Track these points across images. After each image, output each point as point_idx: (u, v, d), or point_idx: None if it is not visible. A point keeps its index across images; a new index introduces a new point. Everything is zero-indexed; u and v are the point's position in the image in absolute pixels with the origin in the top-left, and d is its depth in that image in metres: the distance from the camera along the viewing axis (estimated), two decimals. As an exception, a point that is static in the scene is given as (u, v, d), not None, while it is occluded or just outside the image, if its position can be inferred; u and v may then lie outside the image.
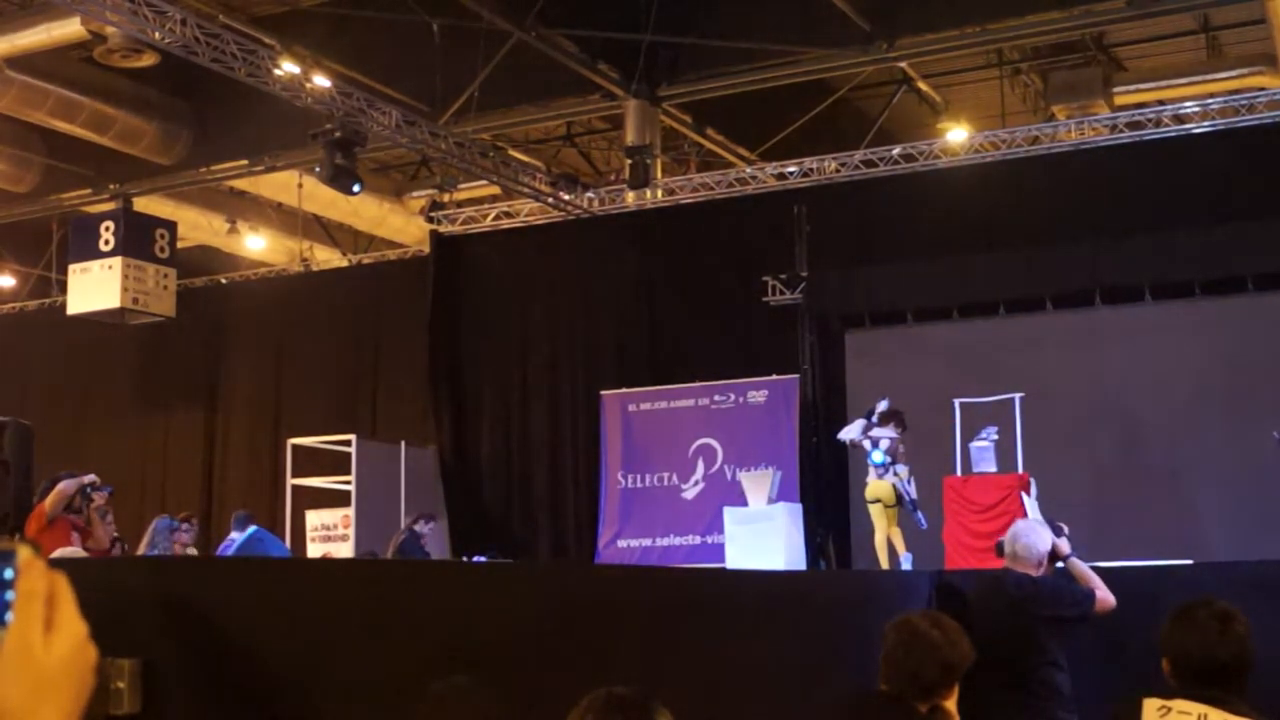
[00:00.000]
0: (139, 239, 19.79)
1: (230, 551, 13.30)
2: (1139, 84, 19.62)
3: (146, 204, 21.14)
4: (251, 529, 13.36)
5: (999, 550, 7.39)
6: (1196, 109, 16.48)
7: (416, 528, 15.39)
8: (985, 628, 6.75)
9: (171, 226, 20.59)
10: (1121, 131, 16.68)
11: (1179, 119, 16.47)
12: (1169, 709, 3.82)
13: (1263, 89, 17.40)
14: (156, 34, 14.20)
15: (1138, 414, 15.51)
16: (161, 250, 20.06)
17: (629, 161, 18.28)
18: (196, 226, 23.16)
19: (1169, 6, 16.56)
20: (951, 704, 4.18)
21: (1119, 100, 19.15)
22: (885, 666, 4.20)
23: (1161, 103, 18.06)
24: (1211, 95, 17.29)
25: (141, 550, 12.94)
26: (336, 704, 4.59)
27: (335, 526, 18.20)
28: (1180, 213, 15.49)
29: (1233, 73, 18.94)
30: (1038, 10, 16.80)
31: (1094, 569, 7.30)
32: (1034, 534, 7.22)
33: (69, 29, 16.02)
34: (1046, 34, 17.88)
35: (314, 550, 17.89)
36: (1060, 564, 7.23)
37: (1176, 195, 15.65)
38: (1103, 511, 14.49)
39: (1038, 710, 6.84)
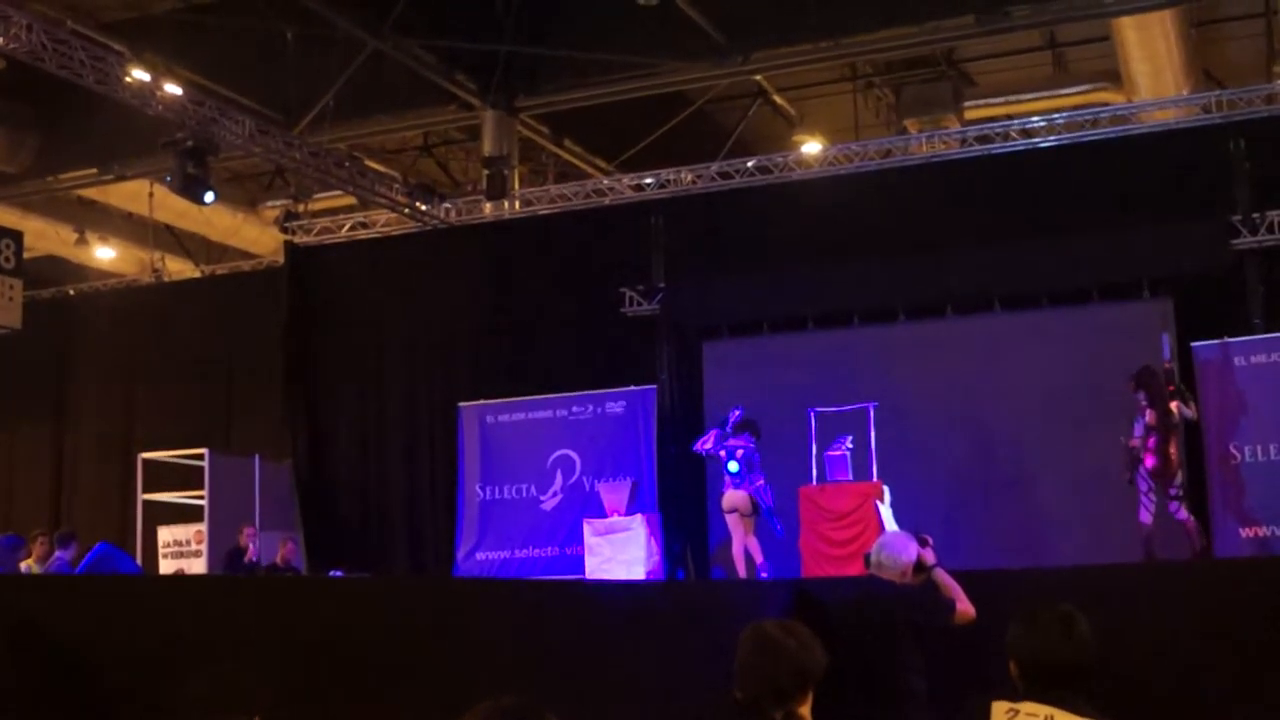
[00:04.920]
0: (-17, 249, 19.29)
1: (69, 569, 12.98)
2: (988, 98, 20.05)
3: (-9, 213, 20.66)
4: (100, 545, 13.04)
5: (866, 559, 7.50)
6: (1043, 124, 16.83)
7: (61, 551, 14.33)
8: (847, 634, 6.85)
9: (17, 236, 20.08)
10: (971, 145, 16.98)
11: (1026, 133, 16.81)
12: (1017, 711, 3.89)
13: (1106, 104, 17.84)
14: (1, 39, 13.86)
15: (987, 422, 15.76)
16: (7, 260, 19.55)
17: (486, 172, 18.26)
18: (43, 236, 22.67)
19: (1017, 23, 16.92)
20: (806, 710, 4.22)
21: (969, 114, 19.54)
22: (740, 674, 4.22)
23: (1010, 117, 18.43)
24: (1058, 110, 17.69)
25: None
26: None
27: (188, 542, 17.89)
28: (1028, 225, 15.77)
29: (1078, 88, 19.43)
30: (890, 25, 17.09)
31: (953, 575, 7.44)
32: (899, 544, 7.35)
33: (-92, 34, 15.59)
34: (898, 49, 18.20)
35: (166, 566, 17.58)
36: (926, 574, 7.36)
37: (1024, 208, 15.93)
38: (953, 518, 14.71)
39: (896, 715, 6.94)
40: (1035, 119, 17.20)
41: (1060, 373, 15.40)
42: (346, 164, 18.58)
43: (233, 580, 11.44)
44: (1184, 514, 13.23)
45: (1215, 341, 14.54)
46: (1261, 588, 8.97)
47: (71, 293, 23.14)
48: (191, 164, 15.87)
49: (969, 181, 16.50)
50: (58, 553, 14.04)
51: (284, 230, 20.08)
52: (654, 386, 16.84)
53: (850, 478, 14.33)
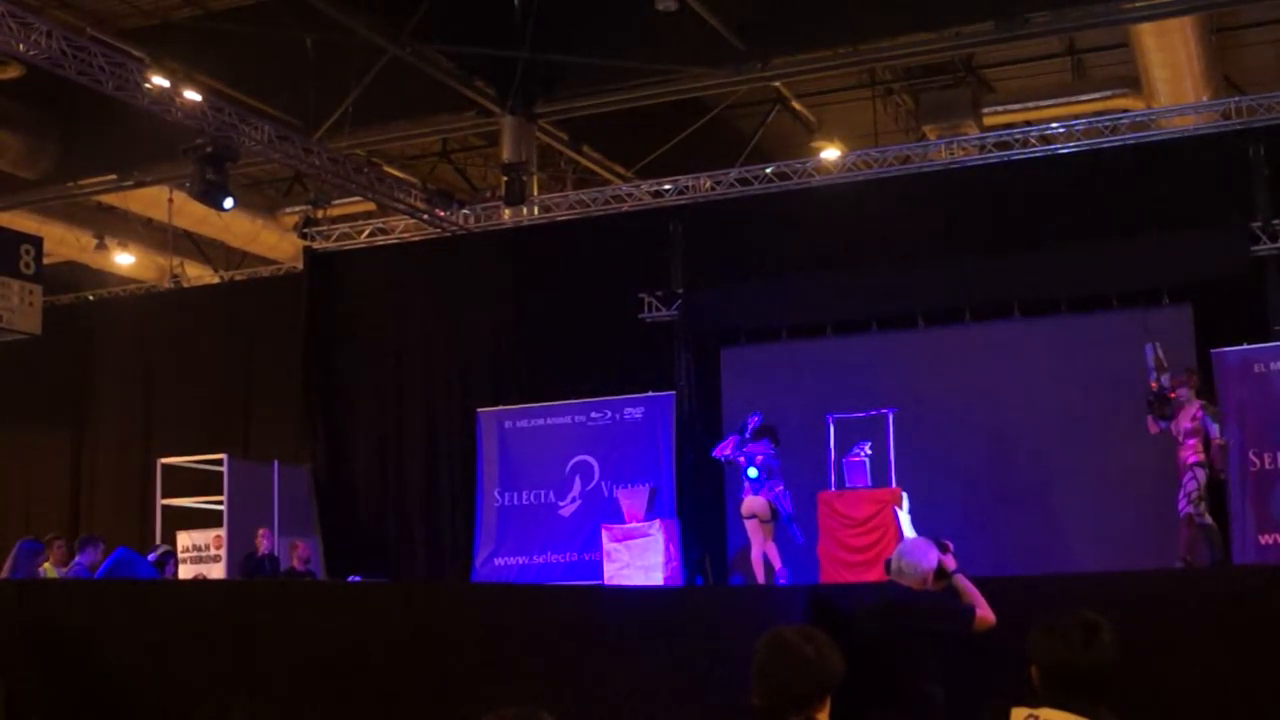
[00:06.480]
0: (3, 255, 19.29)
1: (88, 574, 13.00)
2: (1007, 105, 20.00)
3: (11, 219, 20.70)
4: (119, 550, 13.07)
5: (887, 566, 7.48)
6: (1062, 130, 16.78)
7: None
8: (866, 641, 6.83)
9: (37, 242, 20.09)
10: (990, 151, 16.94)
11: (1045, 139, 16.77)
12: (1036, 717, 3.88)
13: (1126, 110, 17.78)
14: (21, 46, 13.89)
15: (1006, 429, 15.74)
16: (27, 266, 19.56)
17: (505, 178, 18.25)
18: (63, 242, 22.73)
19: (1036, 30, 16.90)
20: (824, 717, 4.20)
21: (988, 120, 19.49)
22: (757, 680, 4.21)
23: (1029, 123, 18.41)
24: (1077, 117, 17.63)
25: (3, 575, 12.63)
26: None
27: (207, 547, 17.91)
28: (1047, 231, 15.78)
29: (1097, 94, 19.36)
30: (908, 31, 17.08)
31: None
32: (919, 551, 7.32)
33: (-71, 41, 15.65)
34: (917, 55, 18.18)
35: (185, 572, 17.60)
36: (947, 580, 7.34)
37: (1043, 214, 15.93)
38: (972, 524, 14.68)
39: (913, 721, 6.93)
40: (1054, 125, 17.16)
41: (1078, 379, 15.38)
42: (365, 170, 18.61)
43: (250, 585, 11.45)
44: (1208, 518, 13.15)
45: (1235, 348, 14.50)
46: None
47: (91, 298, 23.21)
48: (211, 170, 15.89)
49: (988, 188, 16.48)
50: (78, 557, 14.08)
51: (303, 236, 20.12)
52: (672, 393, 16.86)
53: (869, 484, 14.32)
